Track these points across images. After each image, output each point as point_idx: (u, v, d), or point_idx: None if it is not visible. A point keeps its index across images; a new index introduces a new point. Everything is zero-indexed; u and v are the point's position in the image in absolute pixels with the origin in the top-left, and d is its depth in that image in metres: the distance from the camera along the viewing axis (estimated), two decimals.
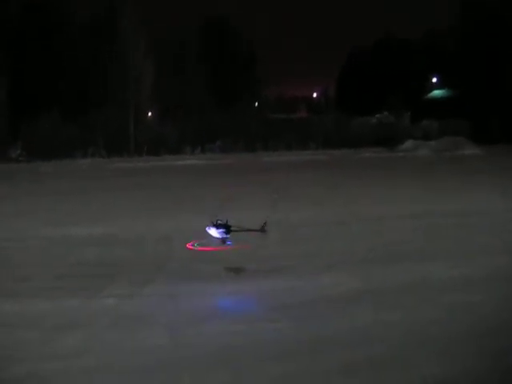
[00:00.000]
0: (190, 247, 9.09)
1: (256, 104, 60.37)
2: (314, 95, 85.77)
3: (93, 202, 16.37)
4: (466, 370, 4.84)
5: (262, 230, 8.74)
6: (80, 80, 43.69)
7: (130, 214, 13.81)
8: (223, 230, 8.55)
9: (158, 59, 44.31)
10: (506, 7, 50.72)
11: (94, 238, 10.84)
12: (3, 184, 24.14)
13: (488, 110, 48.51)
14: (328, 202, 14.93)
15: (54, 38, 44.58)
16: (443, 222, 11.66)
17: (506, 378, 4.79)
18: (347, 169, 26.85)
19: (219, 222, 8.57)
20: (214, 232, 8.57)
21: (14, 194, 19.62)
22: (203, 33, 54.24)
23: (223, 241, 8.61)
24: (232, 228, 8.62)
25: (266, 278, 7.76)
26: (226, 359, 5.15)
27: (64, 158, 37.94)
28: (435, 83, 63.13)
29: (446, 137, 41.47)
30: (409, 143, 41.93)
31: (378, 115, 50.42)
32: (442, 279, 7.44)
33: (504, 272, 7.77)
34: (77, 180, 25.11)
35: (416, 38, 63.68)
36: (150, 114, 49.61)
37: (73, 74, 44.09)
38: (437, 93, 62.43)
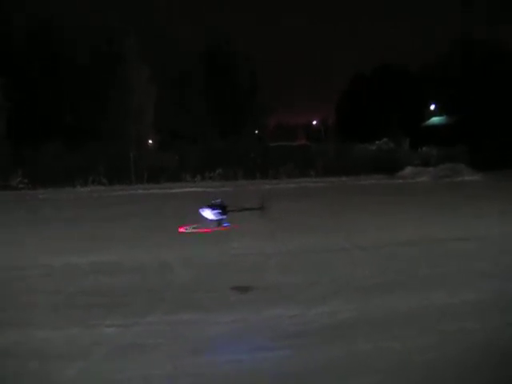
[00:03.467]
0: (183, 230, 8.87)
1: (256, 132, 60.74)
2: (314, 123, 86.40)
3: (92, 230, 16.39)
4: None
5: (261, 207, 8.50)
6: (83, 110, 44.08)
7: (129, 241, 13.84)
8: (219, 211, 8.22)
9: (159, 86, 44.74)
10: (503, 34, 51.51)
11: (94, 266, 10.86)
12: (2, 212, 24.22)
13: (487, 136, 48.84)
14: (326, 229, 15.00)
15: (56, 68, 45.10)
16: (441, 248, 11.75)
17: None
18: (346, 196, 26.95)
19: (213, 202, 8.23)
20: (208, 214, 8.22)
21: (13, 221, 19.67)
22: (204, 59, 54.76)
23: (219, 222, 8.32)
24: (228, 208, 8.31)
25: (266, 306, 7.80)
26: None
27: (65, 186, 38.09)
28: (433, 110, 63.70)
29: (446, 163, 41.72)
30: (408, 170, 42.17)
31: (377, 142, 50.69)
32: (441, 307, 7.49)
33: (504, 298, 7.84)
34: (77, 208, 25.18)
35: (414, 65, 64.43)
36: (150, 141, 49.92)
37: (75, 103, 44.50)
38: (435, 119, 62.95)
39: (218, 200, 8.32)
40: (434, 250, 11.65)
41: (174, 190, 34.30)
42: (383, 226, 15.25)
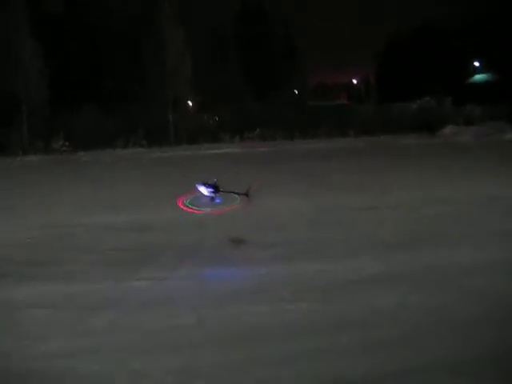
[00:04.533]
0: (181, 205, 9.54)
1: (296, 92, 60.27)
2: (354, 82, 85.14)
3: (130, 190, 16.76)
4: (477, 353, 4.95)
5: (247, 194, 9.32)
6: (120, 73, 44.45)
7: (166, 200, 14.10)
8: (212, 190, 9.23)
9: (195, 48, 44.65)
10: None
11: (131, 224, 11.21)
12: (47, 174, 24.91)
13: None
14: (360, 188, 15.00)
15: (94, 32, 45.46)
16: (469, 208, 11.65)
17: None
18: (382, 156, 26.70)
19: (209, 182, 9.25)
20: (203, 190, 9.24)
21: (57, 183, 20.25)
22: (239, 18, 54.32)
23: (212, 199, 9.27)
24: (220, 189, 9.31)
25: (292, 261, 7.95)
26: (250, 337, 5.38)
27: (105, 149, 38.75)
28: (477, 67, 61.98)
29: (487, 122, 40.79)
30: (449, 129, 41.40)
31: (418, 101, 49.80)
32: (465, 264, 7.51)
33: None
34: (117, 169, 25.67)
35: (457, 21, 62.50)
36: (189, 103, 50.08)
37: (113, 67, 44.88)
38: (479, 77, 61.25)
39: (214, 180, 9.34)
40: (463, 209, 11.55)
41: (212, 151, 34.50)
42: (415, 186, 15.14)
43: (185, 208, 9.50)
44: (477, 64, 61.81)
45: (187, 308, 6.24)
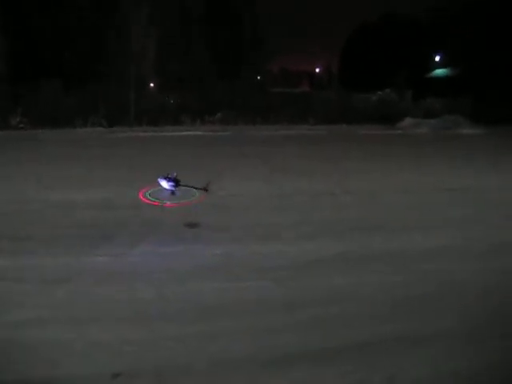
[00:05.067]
0: (141, 197, 9.76)
1: (258, 77, 60.29)
2: (317, 70, 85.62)
3: (90, 169, 16.64)
4: (431, 327, 5.23)
5: (205, 189, 9.69)
6: (82, 51, 43.71)
7: (126, 180, 14.10)
8: (173, 184, 9.74)
9: (160, 29, 44.19)
10: None
11: (91, 202, 11.17)
12: (2, 150, 24.43)
13: (491, 88, 48.46)
14: (319, 174, 15.23)
15: (57, 6, 44.53)
16: (426, 196, 12.04)
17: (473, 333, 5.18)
18: (342, 144, 27.05)
19: (169, 176, 9.71)
20: (164, 183, 9.76)
21: (14, 159, 19.91)
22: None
23: (172, 192, 9.77)
24: (180, 183, 9.78)
25: (250, 243, 8.12)
26: (207, 313, 5.53)
27: (64, 127, 38.14)
28: (438, 61, 63.05)
29: (446, 115, 41.61)
30: (407, 121, 42.09)
31: (379, 92, 50.38)
32: (418, 249, 7.82)
33: (476, 243, 8.17)
34: (76, 148, 25.35)
35: (418, 15, 63.40)
36: (152, 84, 49.59)
37: (75, 45, 44.10)
38: (439, 71, 62.33)
39: (174, 174, 9.79)
40: (417, 197, 11.92)
41: (173, 133, 34.37)
42: (372, 173, 15.45)
43: (145, 199, 9.67)
44: (437, 58, 62.89)
45: (147, 283, 6.36)
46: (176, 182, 9.51)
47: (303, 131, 36.40)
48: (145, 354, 4.81)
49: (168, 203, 9.66)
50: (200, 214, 9.83)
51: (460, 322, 5.43)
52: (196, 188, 9.79)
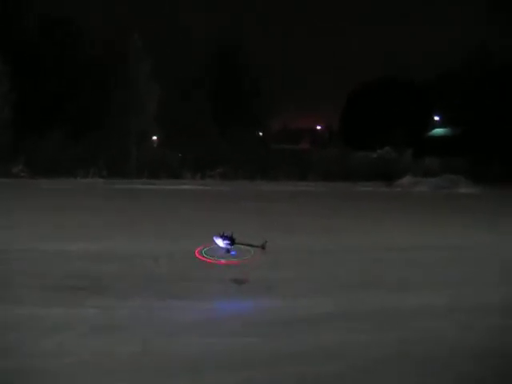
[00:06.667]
0: (198, 255, 9.60)
1: (260, 133, 61.01)
2: (318, 128, 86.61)
3: (88, 220, 16.71)
4: None
5: (263, 246, 9.45)
6: (85, 103, 44.46)
7: (124, 232, 14.15)
8: (228, 242, 9.39)
9: (163, 83, 45.01)
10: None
11: (87, 253, 11.18)
12: (3, 198, 24.55)
13: (489, 149, 49.02)
14: (316, 231, 15.27)
15: (59, 60, 45.53)
16: (421, 254, 12.07)
17: None
18: (341, 201, 27.22)
19: (226, 234, 9.41)
20: (220, 242, 9.40)
21: (13, 207, 19.99)
22: (212, 61, 55.05)
23: (227, 250, 9.42)
24: (236, 241, 9.45)
25: (242, 297, 8.08)
26: (190, 368, 5.47)
27: (66, 177, 38.46)
28: (437, 121, 63.95)
29: (445, 175, 41.96)
30: (408, 179, 42.41)
31: (379, 150, 50.96)
32: (411, 307, 7.78)
33: (468, 302, 8.13)
34: (75, 198, 25.49)
35: (420, 76, 64.60)
36: (154, 137, 50.19)
37: (79, 97, 44.88)
38: (439, 131, 63.18)
39: (230, 232, 9.46)
40: (414, 256, 11.94)
41: (171, 187, 34.59)
42: (370, 231, 15.51)
43: (201, 257, 9.55)
44: (437, 118, 63.80)
45: (134, 336, 6.29)
46: (231, 241, 9.42)
47: (302, 188, 36.66)
48: None
49: (223, 261, 9.56)
50: (194, 268, 9.78)
51: None
52: (252, 246, 9.67)
